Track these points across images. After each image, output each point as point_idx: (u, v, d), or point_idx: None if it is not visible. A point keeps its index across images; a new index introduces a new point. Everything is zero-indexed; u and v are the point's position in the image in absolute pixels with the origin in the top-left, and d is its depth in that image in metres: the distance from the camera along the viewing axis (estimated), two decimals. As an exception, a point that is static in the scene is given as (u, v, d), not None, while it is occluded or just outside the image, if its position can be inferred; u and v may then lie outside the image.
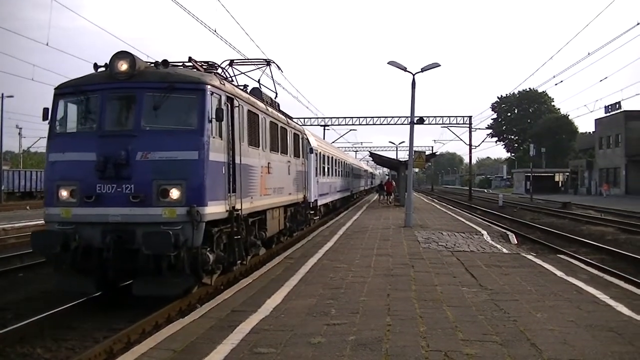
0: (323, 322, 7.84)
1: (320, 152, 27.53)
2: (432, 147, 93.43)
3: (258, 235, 14.25)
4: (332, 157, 33.22)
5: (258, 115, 13.85)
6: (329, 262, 13.53)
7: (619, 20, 63.91)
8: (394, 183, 47.27)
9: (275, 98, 17.94)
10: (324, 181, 29.17)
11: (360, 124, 65.34)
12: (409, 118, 25.06)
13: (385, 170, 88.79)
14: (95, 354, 7.59)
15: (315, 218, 25.85)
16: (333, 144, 54.83)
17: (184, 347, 6.87)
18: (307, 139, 23.31)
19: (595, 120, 78.13)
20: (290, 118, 19.82)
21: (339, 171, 37.52)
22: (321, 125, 63.20)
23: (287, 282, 10.84)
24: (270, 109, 15.62)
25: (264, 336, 7.18)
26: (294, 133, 19.42)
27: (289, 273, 11.93)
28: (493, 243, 18.07)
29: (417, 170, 51.14)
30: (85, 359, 7.38)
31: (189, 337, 7.24)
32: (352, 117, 65.17)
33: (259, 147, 13.78)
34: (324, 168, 29.04)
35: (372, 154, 55.30)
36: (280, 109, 18.35)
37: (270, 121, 15.29)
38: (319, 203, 26.76)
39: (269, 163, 14.72)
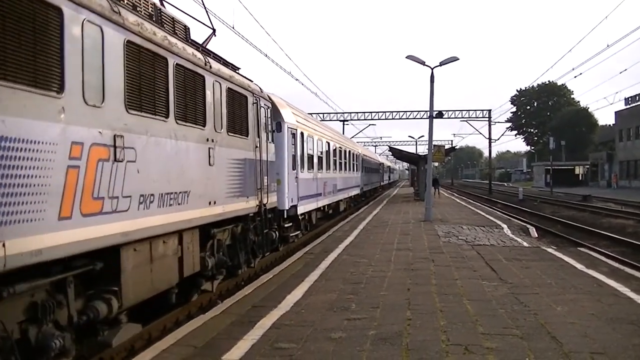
0: (343, 317, 7.87)
1: (302, 133, 18.75)
2: (452, 140, 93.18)
3: (88, 313, 6.52)
4: (327, 143, 24.70)
5: (60, 10, 5.67)
6: (349, 257, 13.56)
7: (639, 11, 63.10)
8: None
9: (211, 36, 11.47)
10: (313, 177, 20.72)
11: (379, 119, 65.65)
12: (428, 112, 25.03)
13: (405, 164, 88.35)
14: (116, 351, 7.66)
15: (294, 234, 17.61)
16: (352, 138, 54.47)
17: (205, 343, 6.93)
18: (274, 105, 15.08)
19: (616, 112, 77.36)
20: (233, 67, 11.88)
21: (340, 163, 29.08)
22: (340, 120, 63.34)
23: (308, 278, 10.88)
24: (140, 21, 7.49)
25: (284, 331, 7.22)
26: (230, 89, 10.88)
27: (309, 269, 11.98)
28: (513, 236, 17.99)
29: (436, 164, 51.09)
30: (107, 356, 7.44)
31: (210, 333, 7.30)
32: (371, 112, 65.60)
33: (60, 92, 5.70)
34: (311, 157, 20.58)
35: (391, 148, 55.19)
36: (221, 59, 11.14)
37: (128, 41, 7.07)
38: (303, 210, 18.52)
39: (122, 137, 6.83)
